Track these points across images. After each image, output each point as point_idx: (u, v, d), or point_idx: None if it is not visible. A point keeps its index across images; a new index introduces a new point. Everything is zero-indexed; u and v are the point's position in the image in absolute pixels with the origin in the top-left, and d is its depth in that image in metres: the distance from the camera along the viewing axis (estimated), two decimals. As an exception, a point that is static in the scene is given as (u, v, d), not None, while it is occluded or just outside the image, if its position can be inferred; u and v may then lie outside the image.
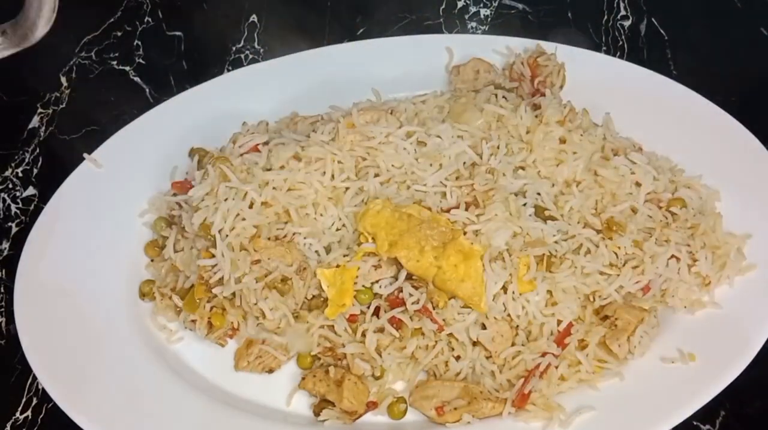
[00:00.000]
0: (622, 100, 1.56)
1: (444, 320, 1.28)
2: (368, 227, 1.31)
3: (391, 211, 1.31)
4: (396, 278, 1.30)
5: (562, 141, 1.42)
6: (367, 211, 1.32)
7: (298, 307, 1.33)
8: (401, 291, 1.29)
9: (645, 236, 1.35)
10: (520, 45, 1.66)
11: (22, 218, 1.63)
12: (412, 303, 1.27)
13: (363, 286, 1.30)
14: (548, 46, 1.63)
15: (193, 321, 1.36)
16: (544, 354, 1.26)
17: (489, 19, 1.98)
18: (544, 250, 1.28)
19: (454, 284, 1.26)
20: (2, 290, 1.50)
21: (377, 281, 1.31)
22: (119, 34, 2.00)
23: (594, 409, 1.22)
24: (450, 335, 1.28)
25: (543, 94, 1.56)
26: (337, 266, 1.31)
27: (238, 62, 1.90)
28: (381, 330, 1.30)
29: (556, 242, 1.31)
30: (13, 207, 1.65)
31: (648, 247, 1.32)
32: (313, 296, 1.33)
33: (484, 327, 1.27)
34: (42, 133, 1.78)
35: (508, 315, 1.27)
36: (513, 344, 1.28)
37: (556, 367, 1.26)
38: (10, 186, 1.68)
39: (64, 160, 1.58)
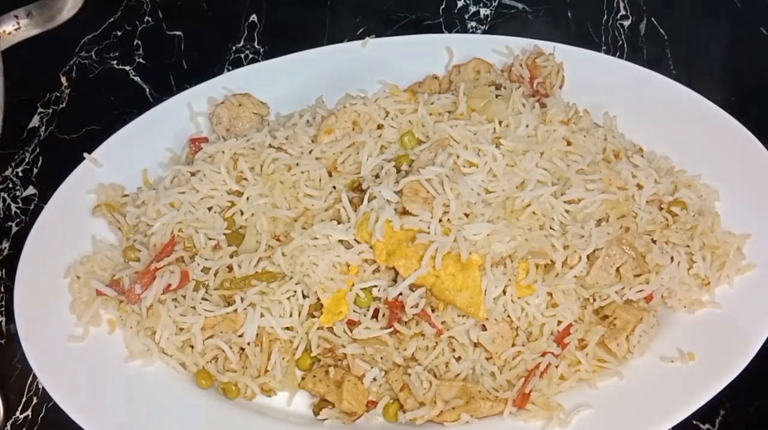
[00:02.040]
0: (621, 100, 1.56)
1: (444, 322, 1.28)
2: (366, 236, 1.30)
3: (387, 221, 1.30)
4: (395, 280, 1.30)
5: (568, 142, 1.42)
6: (365, 221, 1.31)
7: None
8: (400, 294, 1.28)
9: (647, 241, 1.35)
10: (519, 45, 1.66)
11: (22, 217, 1.63)
12: (411, 307, 1.27)
13: (362, 289, 1.30)
14: (547, 46, 1.63)
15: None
16: (544, 354, 1.26)
17: (489, 19, 1.98)
18: (546, 260, 1.28)
19: (452, 293, 1.25)
20: (2, 290, 1.50)
21: (376, 285, 1.30)
22: (119, 33, 2.00)
23: (594, 408, 1.22)
24: (451, 336, 1.28)
25: (543, 95, 1.56)
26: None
27: (238, 62, 1.90)
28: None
29: (564, 248, 1.30)
30: (13, 207, 1.65)
31: (651, 259, 1.32)
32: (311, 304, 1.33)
33: (484, 328, 1.27)
34: (42, 133, 1.78)
35: (508, 316, 1.27)
36: (513, 345, 1.28)
37: (556, 366, 1.26)
38: (11, 185, 1.68)
39: (64, 159, 1.58)
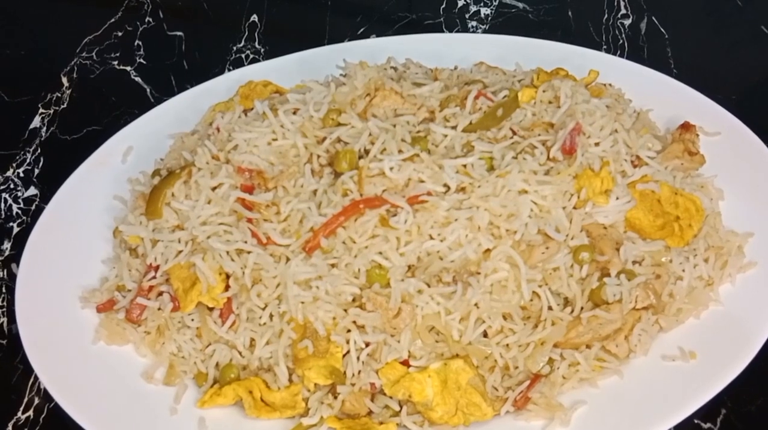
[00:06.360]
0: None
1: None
2: None
3: None
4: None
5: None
6: None
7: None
8: None
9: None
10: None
11: (24, 218, 1.63)
12: None
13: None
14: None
15: None
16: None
17: (489, 18, 1.98)
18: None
19: None
20: (3, 290, 1.50)
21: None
22: (120, 34, 2.00)
23: (595, 408, 1.22)
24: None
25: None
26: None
27: (238, 62, 1.90)
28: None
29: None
30: (14, 207, 1.65)
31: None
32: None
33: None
34: (43, 134, 1.79)
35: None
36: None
37: (558, 368, 1.26)
38: (12, 186, 1.69)
39: (66, 160, 1.59)
